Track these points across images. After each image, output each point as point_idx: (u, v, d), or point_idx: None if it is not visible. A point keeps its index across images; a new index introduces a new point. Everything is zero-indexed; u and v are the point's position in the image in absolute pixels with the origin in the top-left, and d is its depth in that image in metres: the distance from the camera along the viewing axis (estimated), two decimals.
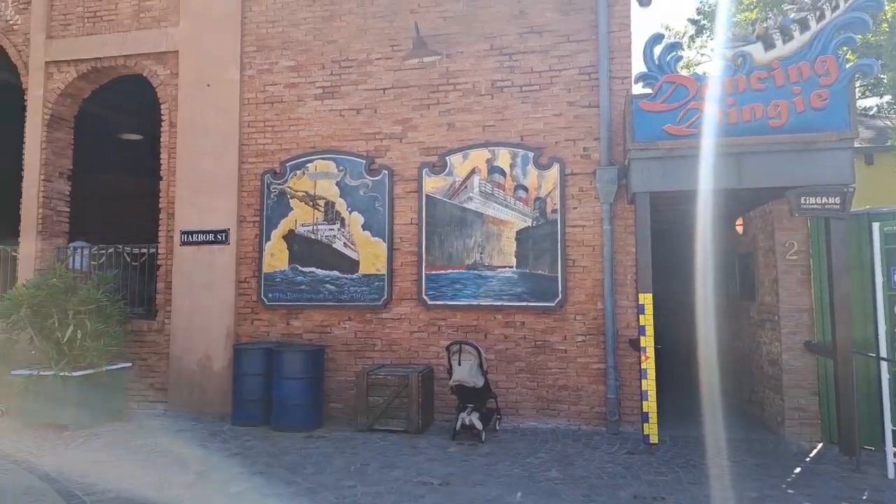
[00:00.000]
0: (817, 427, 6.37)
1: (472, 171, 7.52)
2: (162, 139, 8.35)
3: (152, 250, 8.35)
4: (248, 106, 8.16)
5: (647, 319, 6.05)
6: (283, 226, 7.93)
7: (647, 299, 6.11)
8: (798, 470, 5.54)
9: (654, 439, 6.00)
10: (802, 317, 6.46)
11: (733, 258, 8.49)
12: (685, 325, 9.05)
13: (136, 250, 8.48)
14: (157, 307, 8.20)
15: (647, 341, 6.03)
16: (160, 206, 8.28)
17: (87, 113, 9.35)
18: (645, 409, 6.02)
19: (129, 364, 7.80)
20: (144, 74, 8.48)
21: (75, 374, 6.90)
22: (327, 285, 7.77)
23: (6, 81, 9.26)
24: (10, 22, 8.96)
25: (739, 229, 7.99)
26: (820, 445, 6.25)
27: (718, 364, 9.12)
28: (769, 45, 6.03)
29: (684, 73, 7.42)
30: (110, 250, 8.52)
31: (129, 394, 7.88)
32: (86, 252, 8.63)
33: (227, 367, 7.68)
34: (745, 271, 7.88)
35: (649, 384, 6.00)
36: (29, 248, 8.49)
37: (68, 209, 8.99)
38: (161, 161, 8.32)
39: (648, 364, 6.01)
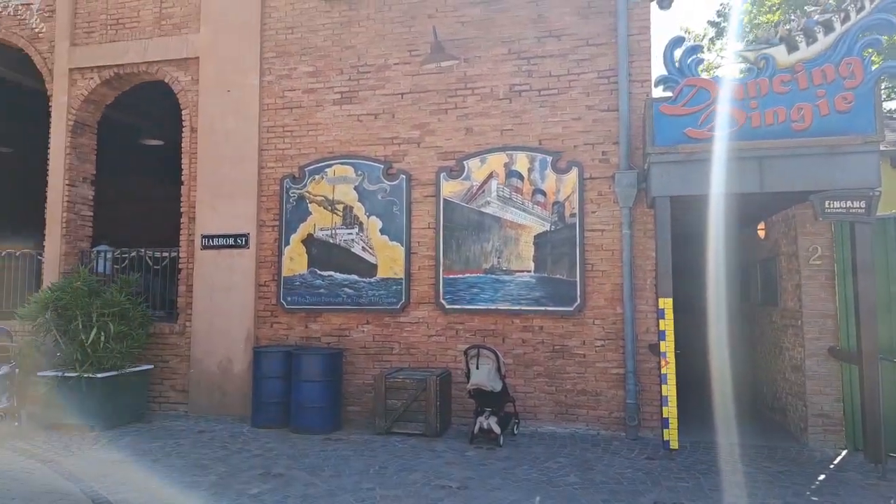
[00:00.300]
0: (842, 434, 6.27)
1: (490, 176, 7.52)
2: (183, 144, 8.46)
3: (174, 254, 8.47)
4: (267, 111, 8.25)
5: (668, 324, 6.00)
6: (302, 230, 7.99)
7: (667, 304, 6.06)
8: (822, 477, 5.46)
9: (674, 445, 5.95)
10: (826, 322, 6.37)
11: (754, 263, 8.39)
12: (705, 330, 8.97)
13: (157, 254, 8.61)
14: (179, 310, 8.30)
15: (667, 346, 5.98)
16: (181, 210, 8.39)
17: (110, 118, 9.51)
18: (665, 415, 5.97)
19: (151, 366, 7.90)
20: (166, 80, 8.61)
21: (99, 375, 7.01)
22: (345, 289, 7.81)
23: (32, 88, 9.44)
24: (36, 30, 9.14)
25: (761, 234, 7.90)
26: (844, 452, 6.16)
27: (739, 369, 9.04)
28: (792, 47, 5.96)
29: (705, 76, 7.36)
30: (132, 254, 8.66)
31: (150, 395, 8.00)
32: (109, 256, 8.77)
33: (247, 370, 7.75)
34: (767, 276, 7.79)
35: (669, 389, 5.95)
36: (54, 252, 8.64)
37: (92, 213, 9.14)
38: (182, 166, 8.43)
39: (668, 369, 5.97)
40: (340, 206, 7.92)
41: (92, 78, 8.83)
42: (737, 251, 9.21)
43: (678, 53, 6.32)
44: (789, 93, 5.94)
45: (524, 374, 7.17)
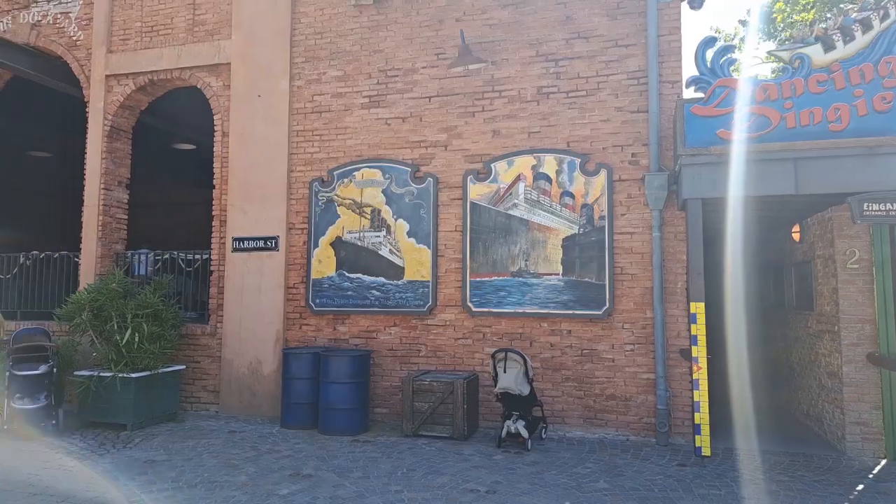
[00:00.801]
0: (881, 443, 6.09)
1: (518, 178, 7.50)
2: (215, 149, 8.61)
3: (205, 256, 8.62)
4: (296, 115, 8.35)
5: (699, 329, 5.91)
6: (331, 233, 8.07)
7: (698, 308, 5.96)
8: (860, 487, 5.31)
9: (706, 452, 5.84)
10: (865, 328, 6.20)
11: (789, 266, 8.21)
12: (737, 334, 8.81)
13: (189, 256, 8.77)
14: (210, 312, 8.44)
15: (699, 351, 5.88)
16: (213, 213, 8.53)
17: (143, 123, 9.73)
18: (697, 421, 5.87)
19: (183, 367, 8.04)
20: (198, 86, 8.77)
21: (133, 375, 7.16)
22: (373, 291, 7.86)
23: (70, 94, 9.70)
24: (74, 38, 9.40)
25: (796, 236, 7.72)
26: (884, 462, 5.98)
27: (773, 375, 8.85)
28: (829, 46, 5.83)
29: (737, 76, 7.24)
30: (165, 256, 8.83)
31: (182, 395, 8.14)
32: (148, 258, 8.95)
33: (277, 371, 7.85)
34: (802, 280, 7.61)
35: (701, 395, 5.85)
36: (90, 254, 8.87)
37: (126, 216, 9.36)
38: (214, 170, 8.57)
39: (700, 374, 5.86)
40: (368, 209, 7.98)
41: (127, 84, 9.04)
42: (770, 254, 9.03)
43: (710, 54, 6.23)
44: (826, 93, 5.80)
45: (552, 378, 7.12)
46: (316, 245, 8.11)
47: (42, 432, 6.90)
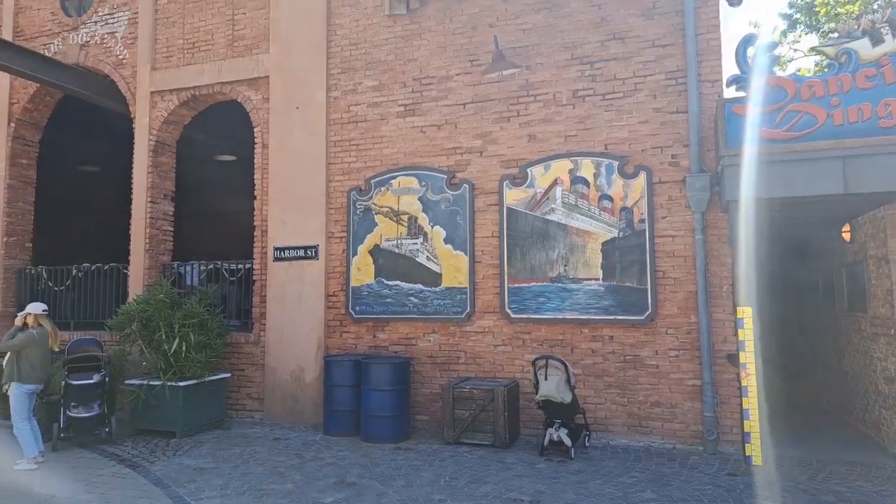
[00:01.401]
0: None
1: (555, 182, 7.44)
2: (255, 160, 8.79)
3: (248, 266, 8.80)
4: (334, 126, 8.46)
5: (747, 334, 5.75)
6: (369, 240, 8.14)
7: (745, 313, 5.81)
8: None
9: (757, 460, 5.68)
10: None
11: (839, 267, 7.93)
12: (785, 338, 8.55)
13: (233, 266, 8.97)
14: (253, 320, 8.61)
15: (747, 357, 5.73)
16: (254, 223, 8.71)
17: (187, 137, 10.00)
18: (746, 429, 5.71)
19: (228, 374, 8.23)
20: (239, 100, 8.98)
21: (181, 384, 7.35)
22: (412, 298, 7.90)
23: (117, 111, 10.04)
24: (120, 57, 9.73)
25: (846, 236, 7.46)
26: None
27: (825, 380, 8.55)
28: (877, 40, 5.62)
29: (780, 73, 7.04)
30: (210, 266, 9.05)
31: (227, 403, 8.31)
32: (196, 268, 9.18)
33: (318, 379, 7.95)
34: (854, 281, 7.34)
35: (750, 402, 5.70)
36: (138, 266, 9.15)
37: (172, 228, 9.63)
38: (255, 181, 8.75)
39: (749, 381, 5.71)
40: (405, 217, 8.03)
41: (171, 100, 9.32)
42: (818, 255, 8.73)
43: (751, 51, 6.10)
44: (875, 88, 5.61)
45: (594, 385, 7.03)
46: (355, 253, 8.20)
47: (95, 440, 7.14)
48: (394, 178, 8.11)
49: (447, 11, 8.09)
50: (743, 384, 5.74)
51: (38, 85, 9.85)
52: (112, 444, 7.08)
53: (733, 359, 6.19)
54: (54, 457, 6.58)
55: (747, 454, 5.72)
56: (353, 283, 8.17)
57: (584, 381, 7.03)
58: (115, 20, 9.81)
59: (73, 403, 7.05)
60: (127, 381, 7.65)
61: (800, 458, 6.12)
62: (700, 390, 6.57)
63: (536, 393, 6.49)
